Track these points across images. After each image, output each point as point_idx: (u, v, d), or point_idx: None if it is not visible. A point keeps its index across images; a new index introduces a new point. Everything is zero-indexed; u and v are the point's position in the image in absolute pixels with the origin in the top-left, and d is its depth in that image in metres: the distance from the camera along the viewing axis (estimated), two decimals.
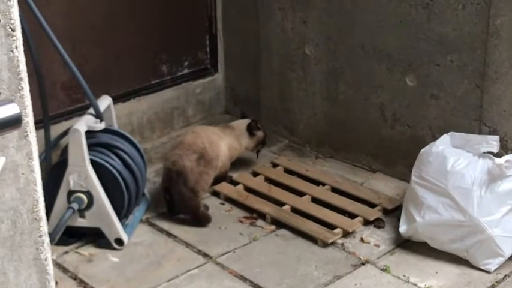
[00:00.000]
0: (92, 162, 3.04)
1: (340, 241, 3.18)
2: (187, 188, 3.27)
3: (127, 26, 3.83)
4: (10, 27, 1.21)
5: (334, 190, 3.55)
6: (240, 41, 4.21)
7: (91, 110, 3.13)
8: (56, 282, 2.90)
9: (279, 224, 3.31)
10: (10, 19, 1.21)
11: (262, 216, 3.37)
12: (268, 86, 4.12)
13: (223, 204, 3.51)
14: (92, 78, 3.71)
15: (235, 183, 3.63)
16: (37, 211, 1.26)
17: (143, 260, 3.07)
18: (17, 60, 1.24)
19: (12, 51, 1.24)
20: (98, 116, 3.12)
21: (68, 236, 3.14)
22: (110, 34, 3.78)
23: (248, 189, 3.58)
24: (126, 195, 3.13)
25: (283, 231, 3.27)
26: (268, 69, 4.09)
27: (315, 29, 3.78)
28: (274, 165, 3.82)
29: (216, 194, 3.56)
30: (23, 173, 1.24)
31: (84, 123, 3.06)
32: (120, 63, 3.86)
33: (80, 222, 3.11)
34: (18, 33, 1.22)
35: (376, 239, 3.19)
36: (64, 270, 3.01)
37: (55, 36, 2.92)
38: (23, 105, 1.26)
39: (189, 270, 3.00)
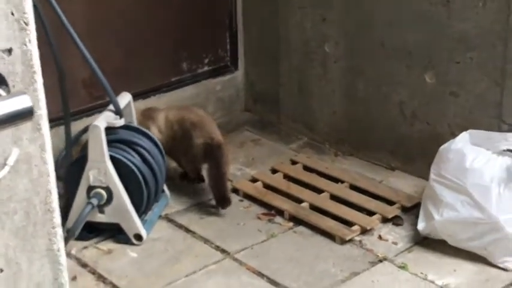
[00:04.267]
0: (112, 158, 3.06)
1: (358, 238, 3.17)
2: (225, 162, 3.37)
3: (147, 23, 3.85)
4: (24, 21, 1.23)
5: (353, 187, 3.54)
6: (260, 38, 4.21)
7: (111, 107, 3.15)
8: (75, 277, 2.94)
9: (297, 221, 3.30)
10: (23, 13, 1.23)
11: (280, 213, 3.36)
12: (288, 83, 4.12)
13: (242, 201, 3.51)
14: (112, 75, 3.70)
15: (254, 180, 3.64)
16: (50, 202, 1.28)
17: (161, 256, 3.09)
18: (30, 54, 1.26)
19: (25, 44, 1.26)
20: (118, 112, 3.13)
21: (88, 231, 3.16)
22: (130, 31, 3.79)
23: (267, 186, 3.58)
24: (145, 191, 3.14)
25: (301, 228, 3.27)
26: (288, 67, 4.09)
27: (334, 26, 3.78)
28: (294, 162, 3.82)
29: (235, 191, 3.57)
30: (36, 165, 1.26)
31: (104, 119, 3.08)
32: (140, 60, 3.87)
33: (100, 217, 3.13)
34: (32, 27, 1.24)
35: (394, 237, 3.18)
36: (83, 265, 3.03)
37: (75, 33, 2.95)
38: (36, 98, 1.28)
39: (206, 266, 3.00)
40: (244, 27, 4.25)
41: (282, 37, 4.06)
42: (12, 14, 1.21)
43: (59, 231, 1.33)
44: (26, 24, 1.23)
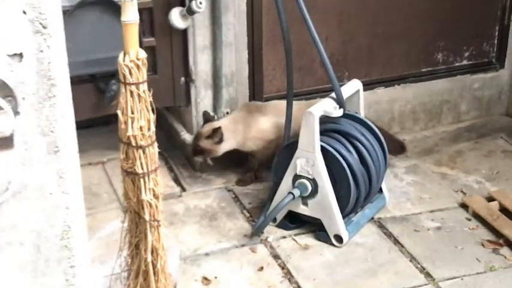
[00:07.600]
0: (323, 149, 2.83)
1: None
2: None
3: (403, 6, 3.53)
4: (40, 23, 1.01)
5: None
6: None
7: (333, 94, 2.91)
8: (262, 268, 2.80)
9: None
10: (40, 13, 1.01)
11: (509, 244, 2.90)
12: None
13: (469, 220, 3.09)
14: (355, 57, 3.51)
15: (490, 198, 3.18)
16: (68, 238, 1.08)
17: (358, 265, 2.82)
18: (48, 63, 1.03)
19: (41, 50, 1.00)
20: (339, 101, 2.88)
21: (290, 221, 3.01)
22: (383, 13, 3.51)
23: (503, 210, 3.11)
24: (354, 192, 2.87)
25: None
26: None
27: None
28: None
29: (464, 206, 3.16)
30: (50, 193, 1.07)
31: (321, 107, 2.85)
32: (389, 44, 3.58)
33: (302, 209, 2.94)
34: (53, 30, 1.02)
35: None
36: (275, 256, 2.87)
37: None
38: (53, 117, 1.05)
39: None
40: None
41: None
42: (24, 12, 1.00)
43: (80, 271, 1.14)
44: (44, 27, 1.01)
